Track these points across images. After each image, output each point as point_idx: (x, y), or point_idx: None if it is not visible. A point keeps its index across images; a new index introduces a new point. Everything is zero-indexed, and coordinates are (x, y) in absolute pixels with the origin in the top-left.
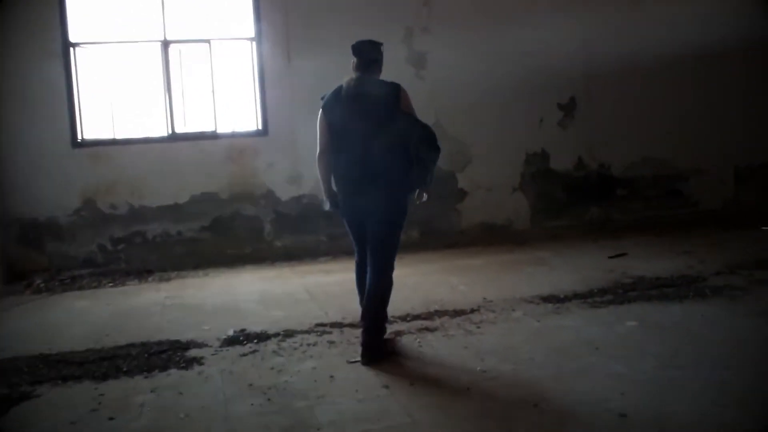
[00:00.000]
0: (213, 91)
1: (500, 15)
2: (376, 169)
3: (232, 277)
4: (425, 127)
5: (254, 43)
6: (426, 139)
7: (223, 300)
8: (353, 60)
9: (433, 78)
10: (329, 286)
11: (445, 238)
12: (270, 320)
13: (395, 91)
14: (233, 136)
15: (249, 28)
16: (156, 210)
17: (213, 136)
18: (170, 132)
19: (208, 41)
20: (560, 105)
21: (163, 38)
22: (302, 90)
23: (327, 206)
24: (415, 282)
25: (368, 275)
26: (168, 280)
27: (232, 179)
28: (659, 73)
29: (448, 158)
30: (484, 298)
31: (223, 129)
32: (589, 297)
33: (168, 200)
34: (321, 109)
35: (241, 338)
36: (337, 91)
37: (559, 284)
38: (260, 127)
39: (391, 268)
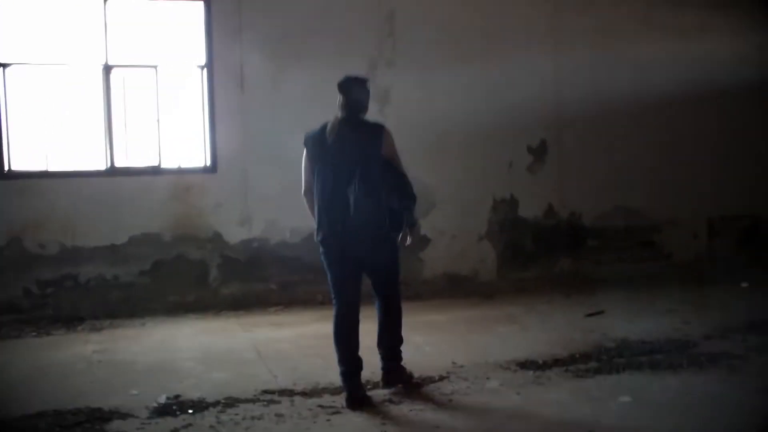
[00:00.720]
0: (158, 122)
1: (469, 50)
2: (357, 215)
3: (172, 328)
4: (398, 177)
5: (205, 70)
6: (397, 189)
7: (159, 357)
8: (339, 98)
9: (397, 115)
10: (280, 342)
11: (407, 289)
12: (210, 384)
13: (378, 134)
14: (179, 172)
15: (200, 54)
16: (90, 251)
17: (156, 171)
18: (109, 165)
19: (154, 67)
20: (530, 148)
21: (104, 62)
22: (256, 124)
23: (319, 238)
24: (375, 340)
25: (383, 306)
26: (100, 329)
27: (176, 219)
28: (632, 117)
29: None
30: (454, 363)
31: (168, 164)
32: (571, 363)
33: (104, 240)
34: (304, 146)
35: (174, 407)
36: (321, 131)
37: (536, 347)
38: (209, 164)
39: (400, 293)
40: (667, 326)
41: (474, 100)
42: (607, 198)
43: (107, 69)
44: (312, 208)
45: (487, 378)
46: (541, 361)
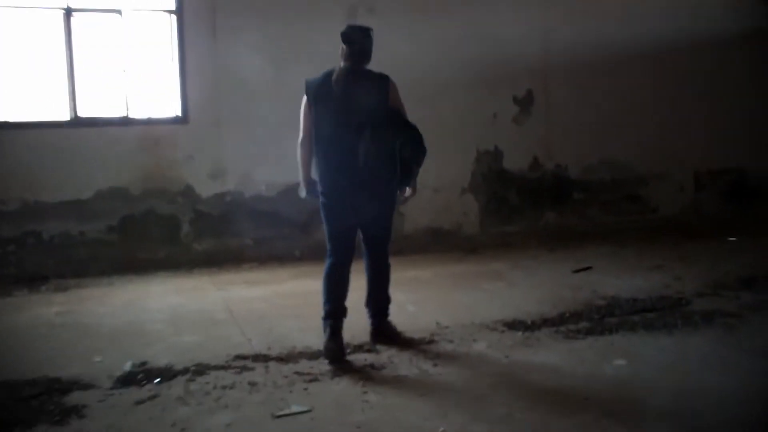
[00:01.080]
0: (125, 71)
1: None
2: (367, 166)
3: (141, 287)
4: (413, 129)
5: (174, 16)
6: (411, 142)
7: (126, 319)
8: (342, 47)
9: (378, 65)
10: (254, 302)
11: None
12: (179, 349)
13: (385, 85)
14: (148, 122)
15: None
16: (54, 206)
17: (124, 122)
18: (73, 116)
19: (119, 11)
20: (516, 99)
21: (65, 5)
22: (229, 72)
23: (303, 193)
24: (356, 299)
25: (372, 264)
26: (65, 290)
27: (145, 172)
28: (620, 68)
29: None
30: (438, 323)
31: (136, 114)
32: (561, 324)
33: (69, 195)
34: (305, 94)
35: (139, 376)
36: (325, 79)
37: (523, 305)
38: (179, 114)
39: (389, 254)
40: (658, 283)
41: (459, 48)
42: (593, 150)
43: (68, 12)
44: (306, 159)
45: (474, 340)
46: (529, 321)
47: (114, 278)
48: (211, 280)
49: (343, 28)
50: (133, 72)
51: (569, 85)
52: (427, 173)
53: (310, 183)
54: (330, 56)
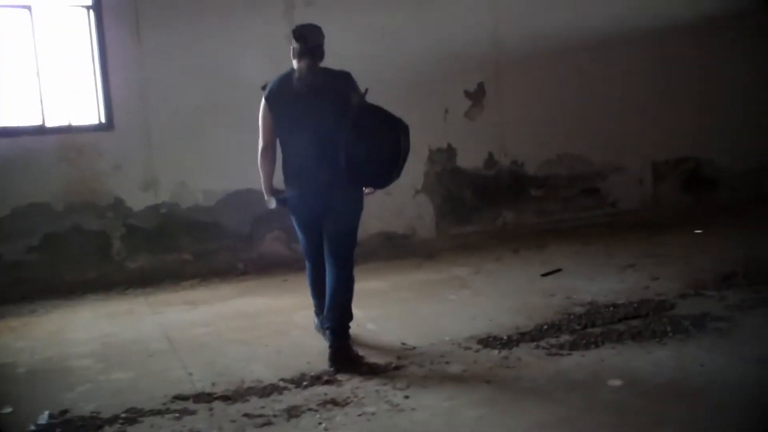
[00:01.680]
0: (38, 73)
1: None
2: (335, 166)
3: (68, 314)
4: (402, 121)
5: (92, 11)
6: (407, 133)
7: (48, 354)
8: (295, 46)
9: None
10: (195, 326)
11: None
12: (109, 390)
13: (349, 80)
14: (68, 130)
15: None
16: None
17: (40, 130)
18: None
19: (28, 7)
20: (468, 93)
21: None
22: (157, 73)
23: (273, 204)
24: (306, 317)
25: (330, 274)
26: None
27: (68, 186)
28: (573, 58)
29: None
30: (404, 344)
31: (54, 122)
32: (540, 337)
33: None
34: (264, 101)
35: (58, 430)
36: (285, 81)
37: (495, 317)
38: (103, 120)
39: (353, 263)
40: (635, 284)
41: (405, 41)
42: (549, 145)
43: None
44: (269, 168)
45: (447, 362)
46: (505, 337)
47: (37, 304)
48: (147, 301)
49: (283, 23)
50: (48, 75)
51: (522, 77)
52: None
53: (275, 192)
54: (268, 51)
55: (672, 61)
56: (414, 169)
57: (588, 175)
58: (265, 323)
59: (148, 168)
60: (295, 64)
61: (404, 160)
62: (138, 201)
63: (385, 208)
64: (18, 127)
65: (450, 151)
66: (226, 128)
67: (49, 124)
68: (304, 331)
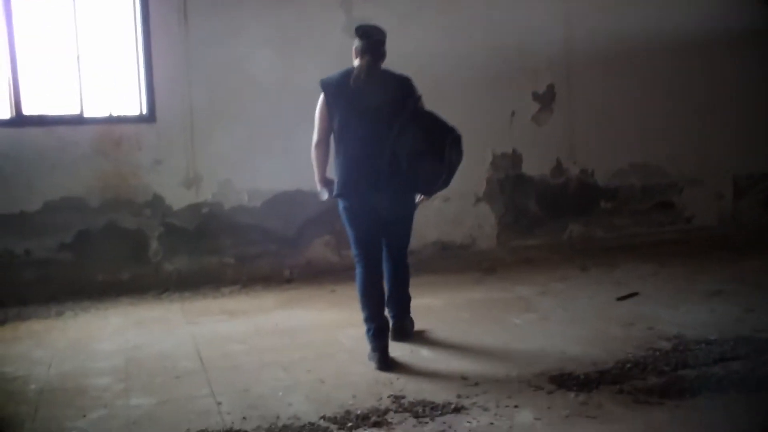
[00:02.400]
0: (78, 59)
1: None
2: (395, 167)
3: (96, 319)
4: (455, 130)
5: None
6: (457, 143)
7: (66, 369)
8: (357, 44)
9: None
10: (230, 342)
11: None
12: (124, 420)
13: (409, 84)
14: (107, 121)
15: None
16: None
17: (78, 120)
18: (15, 113)
19: None
20: (536, 95)
21: None
22: (203, 62)
23: (325, 196)
24: (354, 337)
25: (388, 263)
26: (2, 322)
27: (104, 180)
28: (651, 61)
29: None
30: (464, 378)
31: (92, 111)
32: (623, 379)
33: (11, 207)
34: (323, 95)
35: None
36: (345, 77)
37: (568, 349)
38: (144, 111)
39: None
40: (726, 316)
41: (471, 38)
42: (622, 153)
43: None
44: (323, 160)
45: (516, 406)
46: (581, 375)
47: (66, 306)
48: (183, 308)
49: (341, 12)
50: (88, 61)
51: (595, 80)
52: None
53: (327, 183)
54: (324, 43)
55: (758, 66)
56: (475, 175)
57: (662, 187)
58: (307, 342)
59: (191, 164)
60: (356, 62)
61: (452, 171)
62: (178, 199)
63: (442, 216)
64: (55, 116)
65: (515, 157)
66: (277, 124)
67: (87, 114)
68: (351, 356)
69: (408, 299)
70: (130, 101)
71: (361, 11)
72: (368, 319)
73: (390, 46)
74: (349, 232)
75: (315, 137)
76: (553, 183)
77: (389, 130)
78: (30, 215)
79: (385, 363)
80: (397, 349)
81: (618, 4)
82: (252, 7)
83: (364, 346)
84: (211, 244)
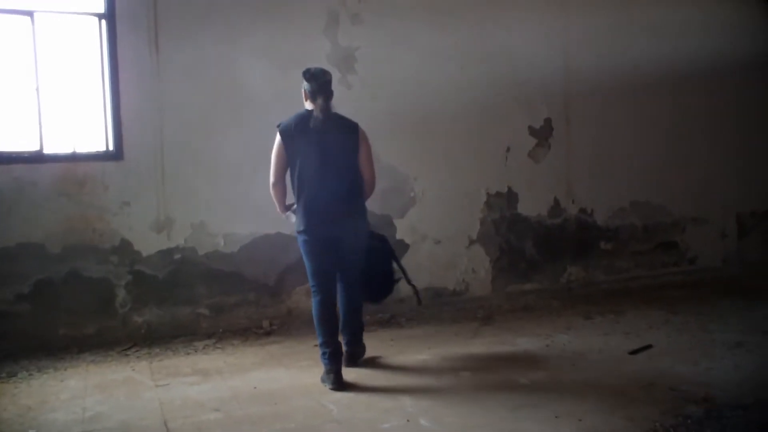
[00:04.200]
0: (37, 91)
1: (458, 4)
2: (346, 199)
3: (53, 380)
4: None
5: (104, 21)
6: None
7: None
8: (307, 86)
9: (364, 85)
10: (203, 409)
11: (380, 310)
12: None
13: (356, 131)
14: (70, 158)
15: None
16: None
17: (37, 157)
18: None
19: (30, 13)
20: (532, 129)
21: None
22: (176, 95)
23: (293, 218)
24: (342, 403)
25: (343, 292)
26: None
27: (66, 224)
28: (653, 95)
29: (382, 198)
30: None
31: (53, 148)
32: None
33: None
34: (280, 138)
35: None
36: (303, 120)
37: (583, 414)
38: (111, 147)
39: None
40: (756, 374)
41: (464, 68)
42: (622, 191)
43: None
44: (281, 199)
45: None
46: None
47: (21, 365)
48: (151, 367)
49: (325, 40)
50: (49, 94)
51: (594, 114)
52: (428, 221)
53: (289, 207)
54: (302, 77)
55: (760, 104)
56: (468, 216)
57: (664, 226)
58: (290, 411)
59: (162, 205)
60: (308, 105)
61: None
62: (148, 244)
63: (434, 260)
64: (11, 152)
65: (510, 196)
66: (256, 162)
67: (47, 151)
68: (339, 426)
69: (361, 327)
70: (95, 137)
71: (347, 39)
72: (323, 344)
73: (375, 74)
74: (307, 265)
75: (272, 178)
76: (551, 223)
77: (347, 170)
78: None
79: (340, 384)
80: (391, 419)
81: (619, 35)
82: (231, 37)
83: (354, 415)
84: (183, 294)
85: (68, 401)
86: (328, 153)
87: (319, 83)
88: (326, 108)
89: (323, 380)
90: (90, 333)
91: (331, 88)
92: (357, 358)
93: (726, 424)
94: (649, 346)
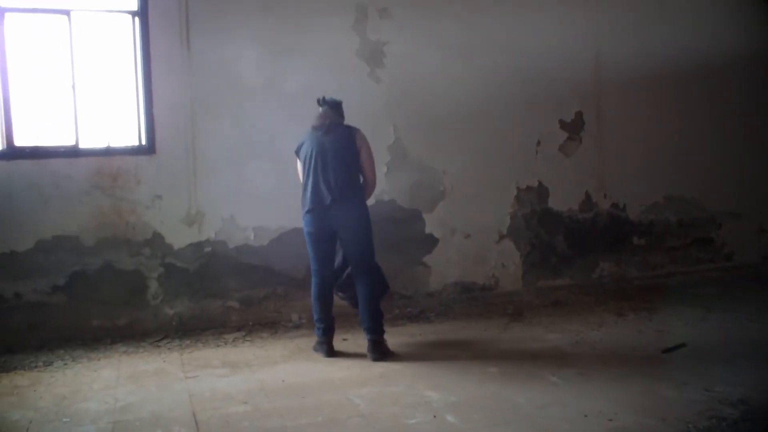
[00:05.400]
0: (73, 88)
1: None
2: (338, 190)
3: (86, 370)
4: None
5: (137, 18)
6: None
7: None
8: (320, 109)
9: (393, 79)
10: (231, 402)
11: (409, 305)
12: None
13: (353, 133)
14: (104, 153)
15: None
16: None
17: (73, 152)
18: (5, 145)
19: (67, 12)
20: (563, 123)
21: None
22: (207, 90)
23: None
24: (368, 398)
25: (359, 282)
26: None
27: (100, 217)
28: (688, 87)
29: (411, 192)
30: None
31: (87, 143)
32: None
33: (1, 246)
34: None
35: None
36: (306, 136)
37: (614, 414)
38: (144, 142)
39: (376, 268)
40: None
41: (493, 61)
42: (656, 186)
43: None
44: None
45: None
46: None
47: (56, 354)
48: (181, 358)
49: (354, 35)
50: (84, 90)
51: (626, 107)
52: (457, 215)
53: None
54: (335, 67)
55: None
56: (498, 210)
57: (700, 222)
58: (316, 404)
59: (193, 199)
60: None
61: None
62: (179, 237)
63: (464, 255)
64: (48, 147)
65: (541, 191)
66: (286, 156)
67: (83, 145)
68: (365, 422)
69: (381, 315)
70: (129, 132)
71: (376, 34)
72: (318, 320)
73: (404, 69)
74: (309, 251)
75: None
76: (582, 218)
77: (342, 165)
78: (21, 255)
79: (331, 352)
80: (417, 415)
81: (653, 26)
82: (261, 30)
83: (381, 410)
84: (213, 287)
85: (101, 391)
86: (326, 150)
87: (327, 100)
88: (325, 115)
89: (315, 349)
90: (122, 324)
91: (338, 104)
92: (382, 352)
93: (762, 427)
94: (683, 345)
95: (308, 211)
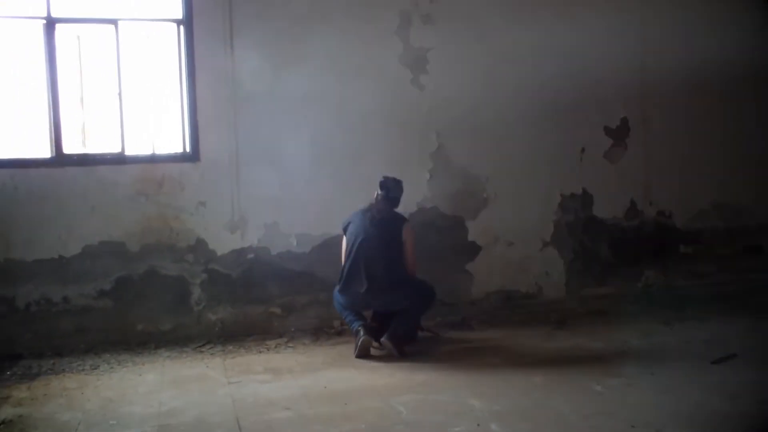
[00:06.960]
0: (120, 95)
1: (530, 4)
2: (382, 282)
3: (131, 374)
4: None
5: (182, 27)
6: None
7: None
8: (378, 192)
9: (437, 86)
10: (274, 407)
11: (450, 313)
12: None
13: (401, 222)
14: (149, 160)
15: (175, 5)
16: (31, 265)
17: (119, 159)
18: (55, 152)
19: (114, 22)
20: (608, 130)
21: (46, 14)
22: (250, 96)
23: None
24: (412, 406)
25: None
26: (33, 376)
27: (145, 223)
28: (736, 92)
29: (454, 199)
30: None
31: (133, 150)
32: None
33: (49, 252)
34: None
35: None
36: (359, 213)
37: (662, 426)
38: (188, 149)
39: (428, 289)
40: None
41: (537, 67)
42: (703, 193)
43: (50, 24)
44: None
45: None
46: None
47: (103, 358)
48: (224, 364)
49: (397, 40)
50: (131, 97)
51: (673, 112)
52: (500, 223)
53: None
54: (379, 75)
55: None
56: (542, 218)
57: (749, 229)
58: (359, 411)
59: (236, 206)
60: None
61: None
62: (223, 244)
63: (507, 262)
64: (95, 154)
65: (585, 198)
66: (328, 163)
67: (128, 153)
68: (408, 428)
69: (415, 331)
70: (173, 139)
71: (419, 40)
72: (352, 322)
73: (447, 75)
74: (340, 310)
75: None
76: (627, 226)
77: (387, 251)
78: (68, 260)
79: (369, 329)
80: (461, 423)
81: (701, 29)
82: (305, 36)
83: (424, 418)
84: (256, 293)
85: (146, 395)
86: (371, 238)
87: (387, 193)
88: (381, 205)
89: (357, 341)
90: (166, 329)
91: (397, 198)
92: (398, 337)
93: None
94: (733, 356)
95: (341, 291)
